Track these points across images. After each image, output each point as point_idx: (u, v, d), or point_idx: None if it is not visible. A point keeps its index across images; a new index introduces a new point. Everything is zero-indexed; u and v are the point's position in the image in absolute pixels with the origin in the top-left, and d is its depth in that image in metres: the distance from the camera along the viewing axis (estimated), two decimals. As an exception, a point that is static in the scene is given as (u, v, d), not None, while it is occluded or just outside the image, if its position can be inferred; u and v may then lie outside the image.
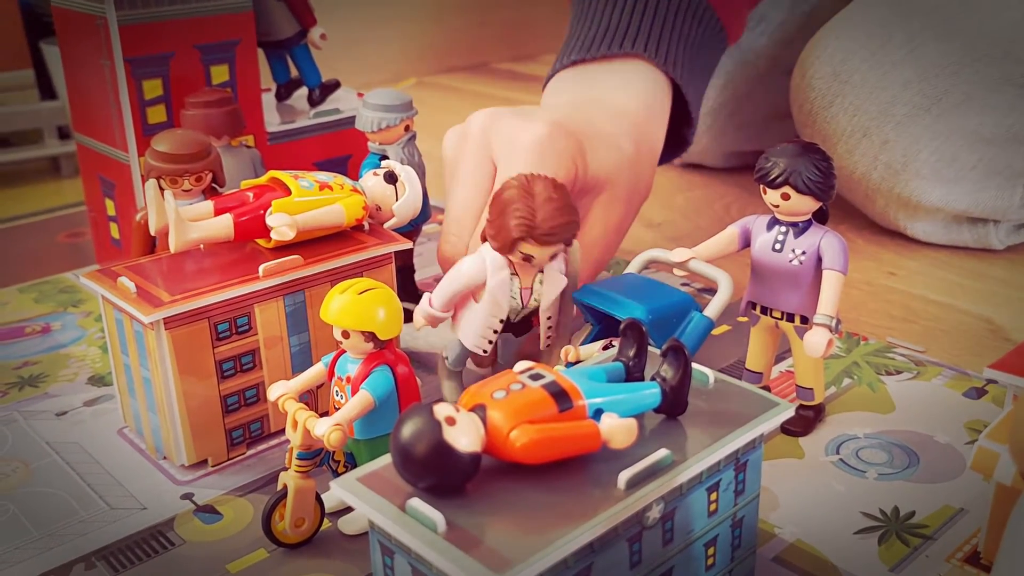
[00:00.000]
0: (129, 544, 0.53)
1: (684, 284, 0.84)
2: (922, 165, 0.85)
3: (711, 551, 0.45)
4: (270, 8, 0.86)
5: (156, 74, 0.76)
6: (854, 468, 0.58)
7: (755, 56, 1.07)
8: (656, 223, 1.00)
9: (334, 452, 0.53)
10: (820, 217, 0.58)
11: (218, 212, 0.59)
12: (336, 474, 0.53)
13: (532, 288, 0.59)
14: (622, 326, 0.46)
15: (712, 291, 0.78)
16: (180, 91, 0.76)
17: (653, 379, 0.44)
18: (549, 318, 0.61)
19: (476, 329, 0.60)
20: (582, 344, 0.61)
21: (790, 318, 0.60)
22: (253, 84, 0.82)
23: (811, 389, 0.61)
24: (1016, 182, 0.86)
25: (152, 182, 0.61)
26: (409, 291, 0.77)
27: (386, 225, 0.65)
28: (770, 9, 1.08)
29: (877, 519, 0.54)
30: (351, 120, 0.87)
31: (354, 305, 0.49)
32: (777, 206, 0.57)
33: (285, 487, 0.51)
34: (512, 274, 0.58)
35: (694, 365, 0.46)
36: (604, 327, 0.63)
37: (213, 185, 0.66)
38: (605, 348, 0.59)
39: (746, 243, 0.60)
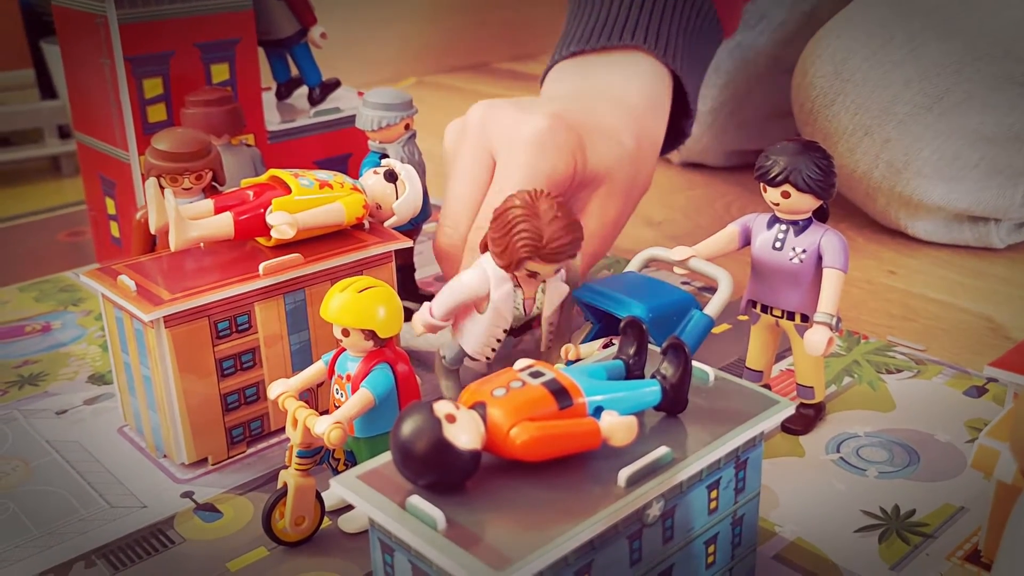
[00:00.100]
0: (129, 542, 0.53)
1: (684, 283, 0.84)
2: (923, 164, 0.85)
3: (711, 549, 0.45)
4: (270, 7, 0.86)
5: (156, 73, 0.76)
6: (854, 466, 0.58)
7: (756, 55, 1.07)
8: (656, 222, 1.00)
9: (334, 450, 0.53)
10: (820, 215, 0.58)
11: (218, 210, 0.59)
12: (336, 472, 0.53)
13: (535, 298, 0.59)
14: (622, 324, 0.46)
15: (712, 289, 0.78)
16: (180, 90, 0.76)
17: (653, 377, 0.44)
18: (551, 324, 0.61)
19: (479, 338, 0.60)
20: (582, 342, 0.61)
21: (790, 316, 0.60)
22: (253, 83, 0.82)
23: (811, 387, 0.61)
24: (1017, 181, 0.86)
25: (152, 181, 0.61)
26: (409, 290, 0.77)
27: (386, 224, 0.65)
28: (771, 8, 1.08)
29: (877, 517, 0.54)
30: (351, 119, 0.87)
31: (354, 303, 0.49)
32: (777, 204, 0.57)
33: (285, 485, 0.51)
34: (515, 286, 0.59)
35: (694, 363, 0.46)
36: (604, 325, 0.63)
37: (213, 184, 0.66)
38: (605, 346, 0.59)
39: (746, 241, 0.60)
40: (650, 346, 0.47)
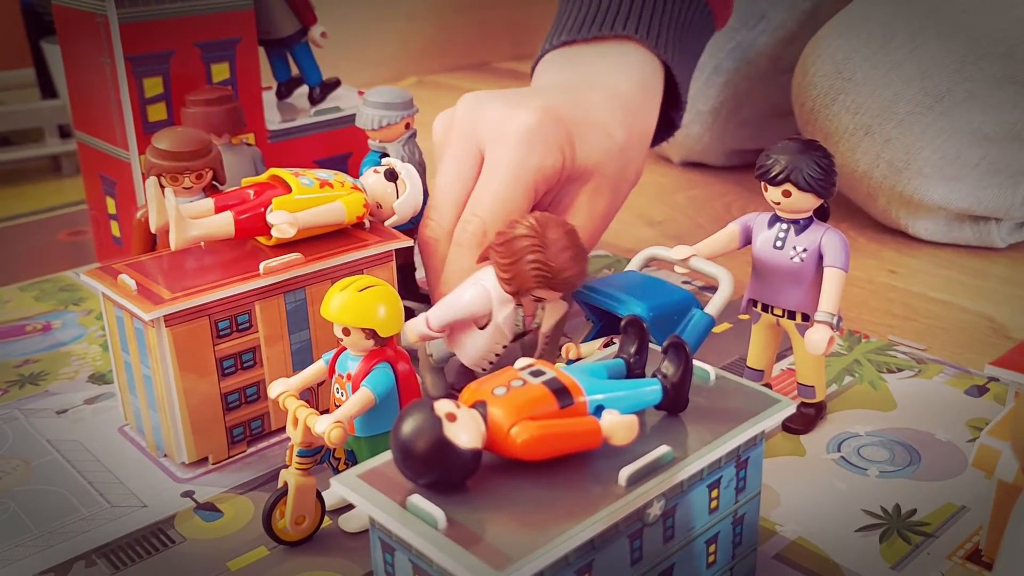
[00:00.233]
0: (129, 542, 0.53)
1: (685, 282, 0.84)
2: (924, 163, 0.85)
3: (712, 548, 0.45)
4: (271, 6, 0.86)
5: (157, 72, 0.76)
6: (855, 466, 0.58)
7: (756, 54, 1.07)
8: (657, 221, 1.00)
9: (335, 449, 0.53)
10: (821, 215, 0.58)
11: (219, 210, 0.59)
12: (336, 471, 0.53)
13: (534, 314, 0.60)
14: (623, 323, 0.46)
15: (713, 289, 0.78)
16: (181, 89, 0.76)
17: (654, 376, 0.44)
18: (546, 337, 0.62)
19: (478, 352, 0.60)
20: (583, 342, 0.61)
21: (791, 315, 0.59)
22: (254, 82, 0.82)
23: (812, 387, 0.61)
24: (1018, 180, 0.86)
25: (153, 180, 0.61)
26: (410, 289, 0.77)
27: (387, 223, 0.65)
28: (771, 7, 1.08)
29: (878, 517, 0.54)
30: (352, 118, 0.87)
31: (354, 302, 0.49)
32: (778, 203, 0.57)
33: (285, 484, 0.51)
34: (517, 305, 0.59)
35: (695, 362, 0.46)
36: (605, 325, 0.63)
37: (214, 183, 0.66)
38: (606, 345, 0.59)
39: (747, 240, 0.60)
40: (651, 345, 0.47)
